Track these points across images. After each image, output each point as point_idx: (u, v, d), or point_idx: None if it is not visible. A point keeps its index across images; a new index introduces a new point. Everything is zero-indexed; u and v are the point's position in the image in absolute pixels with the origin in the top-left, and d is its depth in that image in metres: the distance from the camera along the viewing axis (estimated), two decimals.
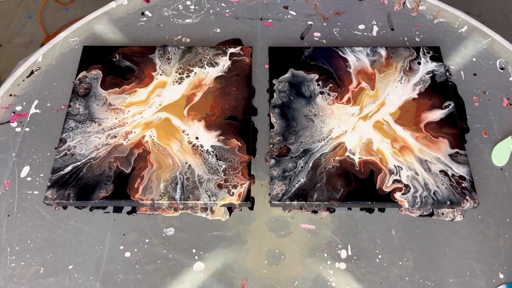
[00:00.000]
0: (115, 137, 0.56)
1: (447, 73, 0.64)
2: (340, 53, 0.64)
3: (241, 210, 0.55)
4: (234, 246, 0.52)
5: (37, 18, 1.39)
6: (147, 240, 0.52)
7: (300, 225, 0.54)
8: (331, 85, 0.61)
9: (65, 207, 0.54)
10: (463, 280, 0.50)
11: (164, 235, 0.53)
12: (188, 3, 0.73)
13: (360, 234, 0.53)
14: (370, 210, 0.54)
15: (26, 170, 0.57)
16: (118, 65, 0.63)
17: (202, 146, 0.56)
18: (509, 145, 0.58)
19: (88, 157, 0.55)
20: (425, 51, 0.64)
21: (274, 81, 0.61)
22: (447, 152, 0.55)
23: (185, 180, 0.53)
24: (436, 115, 0.58)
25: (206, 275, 0.51)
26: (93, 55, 0.64)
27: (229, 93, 0.60)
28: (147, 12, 0.72)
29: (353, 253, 0.52)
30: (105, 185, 0.53)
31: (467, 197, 0.52)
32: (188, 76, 0.62)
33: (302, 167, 0.54)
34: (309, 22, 0.71)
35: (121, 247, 0.52)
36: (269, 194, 0.53)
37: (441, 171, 0.54)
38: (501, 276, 0.51)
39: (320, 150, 0.55)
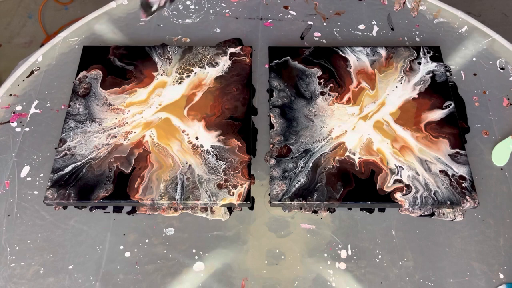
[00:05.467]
0: (115, 137, 0.56)
1: (448, 73, 0.64)
2: (340, 53, 0.64)
3: (241, 210, 0.55)
4: (234, 246, 0.52)
5: (37, 18, 1.39)
6: (147, 240, 0.52)
7: (300, 225, 0.54)
8: (331, 85, 0.61)
9: (65, 207, 0.54)
10: (463, 280, 0.50)
11: (164, 235, 0.53)
12: (188, 3, 0.73)
13: (360, 234, 0.53)
14: (370, 210, 0.54)
15: (26, 170, 0.57)
16: (118, 65, 0.63)
17: (202, 146, 0.56)
18: (509, 145, 0.58)
19: (88, 157, 0.55)
20: (425, 51, 0.64)
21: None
22: (447, 152, 0.56)
23: (185, 180, 0.53)
24: (436, 115, 0.58)
25: (206, 275, 0.51)
26: (93, 55, 0.64)
27: (229, 93, 0.60)
28: None
29: (353, 253, 0.52)
30: (105, 185, 0.53)
31: (467, 197, 0.52)
32: (188, 76, 0.62)
33: (302, 167, 0.54)
34: (309, 22, 0.71)
35: (121, 247, 0.52)
36: (269, 194, 0.53)
37: (441, 171, 0.54)
38: (501, 276, 0.51)
39: (320, 150, 0.55)
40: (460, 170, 0.54)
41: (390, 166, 0.54)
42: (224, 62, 0.63)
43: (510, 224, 0.54)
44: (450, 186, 0.53)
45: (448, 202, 0.52)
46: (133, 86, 0.61)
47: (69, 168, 0.54)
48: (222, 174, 0.54)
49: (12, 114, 0.61)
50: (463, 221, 0.54)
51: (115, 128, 0.57)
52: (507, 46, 0.67)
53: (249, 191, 0.53)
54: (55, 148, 0.58)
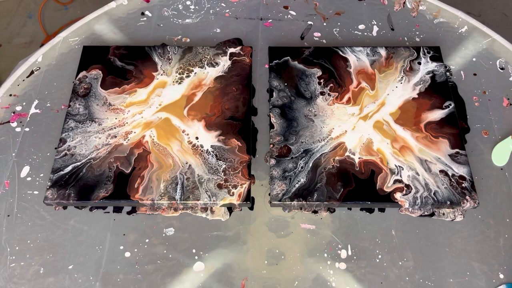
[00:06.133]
0: (115, 137, 0.57)
1: (448, 73, 0.64)
2: (340, 53, 0.64)
3: (241, 210, 0.55)
4: (234, 246, 0.52)
5: (37, 18, 1.39)
6: (147, 240, 0.52)
7: (300, 225, 0.54)
8: (331, 85, 0.61)
9: (65, 207, 0.54)
10: (463, 280, 0.50)
11: (164, 235, 0.53)
12: (188, 3, 0.73)
13: (360, 234, 0.53)
14: (370, 210, 0.54)
15: (26, 170, 0.57)
16: (118, 65, 0.63)
17: (202, 146, 0.56)
18: (509, 145, 0.58)
19: (88, 157, 0.55)
20: (425, 51, 0.64)
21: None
22: (447, 152, 0.56)
23: (185, 180, 0.53)
24: (436, 115, 0.58)
25: (206, 275, 0.51)
26: (93, 55, 0.64)
27: (229, 93, 0.60)
28: (147, 12, 0.72)
29: (353, 253, 0.52)
30: (105, 185, 0.53)
31: (467, 197, 0.52)
32: (188, 76, 0.62)
33: (302, 167, 0.54)
34: (309, 22, 0.71)
35: (121, 247, 0.52)
36: (269, 194, 0.53)
37: (441, 171, 0.54)
38: (501, 276, 0.51)
39: (320, 150, 0.55)
40: (460, 170, 0.54)
41: (390, 166, 0.54)
42: (224, 62, 0.63)
43: (510, 224, 0.54)
44: (450, 186, 0.53)
45: (448, 202, 0.52)
46: (133, 86, 0.61)
47: (69, 168, 0.54)
48: (222, 174, 0.54)
49: (12, 114, 0.61)
50: (463, 221, 0.54)
51: (115, 128, 0.57)
52: (507, 46, 0.67)
53: (249, 191, 0.53)
54: (55, 148, 0.58)
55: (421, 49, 0.64)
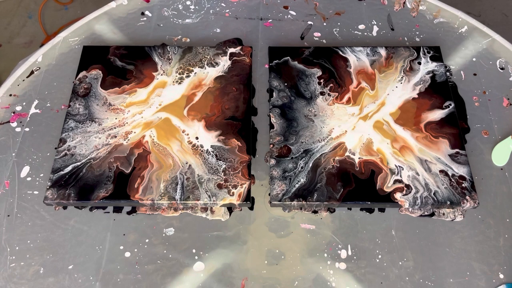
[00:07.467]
0: (115, 137, 0.57)
1: (448, 73, 0.64)
2: (340, 53, 0.64)
3: (241, 210, 0.55)
4: (234, 246, 0.52)
5: (37, 18, 1.39)
6: (147, 240, 0.52)
7: (300, 225, 0.54)
8: (331, 85, 0.61)
9: (65, 207, 0.54)
10: (463, 280, 0.50)
11: (164, 235, 0.53)
12: (188, 3, 0.73)
13: (360, 234, 0.53)
14: (370, 210, 0.54)
15: (26, 170, 0.57)
16: (118, 65, 0.63)
17: (202, 146, 0.56)
18: (509, 145, 0.58)
19: (88, 157, 0.55)
20: (425, 51, 0.64)
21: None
22: (447, 152, 0.56)
23: (185, 180, 0.53)
24: (436, 115, 0.58)
25: (206, 275, 0.51)
26: (93, 55, 0.64)
27: (229, 93, 0.60)
28: (147, 12, 0.72)
29: (353, 253, 0.52)
30: (105, 185, 0.53)
31: (467, 197, 0.52)
32: (188, 76, 0.62)
33: (302, 167, 0.54)
34: (309, 22, 0.71)
35: (121, 247, 0.52)
36: (269, 194, 0.53)
37: (441, 171, 0.54)
38: (501, 276, 0.51)
39: (320, 150, 0.55)
40: (460, 170, 0.54)
41: (390, 166, 0.54)
42: (224, 62, 0.63)
43: (510, 224, 0.54)
44: (450, 186, 0.53)
45: (448, 202, 0.52)
46: (133, 86, 0.61)
47: (69, 168, 0.54)
48: (222, 174, 0.54)
49: (12, 114, 0.61)
50: (463, 221, 0.54)
51: (115, 128, 0.57)
52: (507, 46, 0.67)
53: (249, 191, 0.53)
54: (55, 148, 0.58)
55: (421, 49, 0.64)
